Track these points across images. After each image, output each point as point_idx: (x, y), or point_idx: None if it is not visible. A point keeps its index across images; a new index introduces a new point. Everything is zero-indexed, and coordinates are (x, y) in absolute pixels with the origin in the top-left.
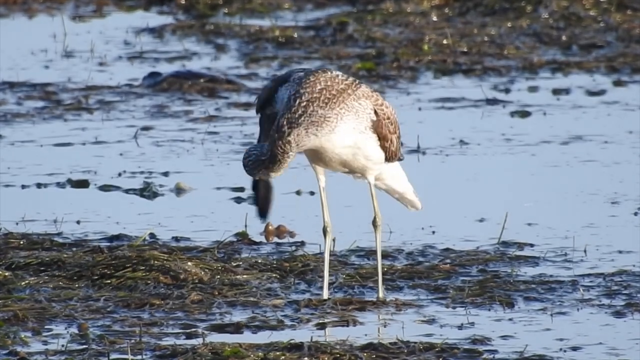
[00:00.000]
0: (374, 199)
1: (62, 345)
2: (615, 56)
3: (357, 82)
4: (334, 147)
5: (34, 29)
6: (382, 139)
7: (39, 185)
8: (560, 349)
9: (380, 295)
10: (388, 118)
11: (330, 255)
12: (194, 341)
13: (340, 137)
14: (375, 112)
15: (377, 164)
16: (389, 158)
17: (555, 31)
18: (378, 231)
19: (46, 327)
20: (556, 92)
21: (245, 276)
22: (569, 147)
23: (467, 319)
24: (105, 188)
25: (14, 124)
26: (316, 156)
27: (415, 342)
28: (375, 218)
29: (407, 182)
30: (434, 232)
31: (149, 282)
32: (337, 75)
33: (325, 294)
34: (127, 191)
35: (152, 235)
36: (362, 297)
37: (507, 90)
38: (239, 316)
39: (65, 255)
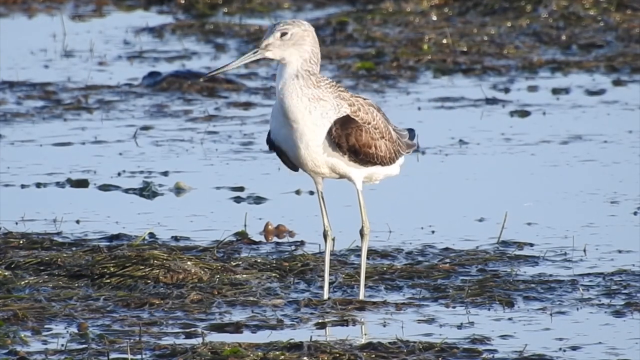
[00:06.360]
0: (362, 207)
1: (62, 345)
2: (615, 56)
3: None
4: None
5: (33, 29)
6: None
7: (38, 185)
8: (560, 349)
9: (361, 297)
10: None
11: (330, 256)
12: (193, 341)
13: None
14: None
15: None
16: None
17: (554, 31)
18: (365, 240)
19: (46, 326)
20: (556, 91)
21: (244, 276)
22: (568, 147)
23: (466, 319)
24: (104, 188)
25: (13, 124)
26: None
27: (415, 342)
28: (362, 227)
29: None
30: (433, 232)
31: (149, 281)
32: None
33: (326, 296)
34: (126, 191)
35: (151, 234)
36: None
37: (506, 90)
38: (238, 316)
39: (64, 255)
